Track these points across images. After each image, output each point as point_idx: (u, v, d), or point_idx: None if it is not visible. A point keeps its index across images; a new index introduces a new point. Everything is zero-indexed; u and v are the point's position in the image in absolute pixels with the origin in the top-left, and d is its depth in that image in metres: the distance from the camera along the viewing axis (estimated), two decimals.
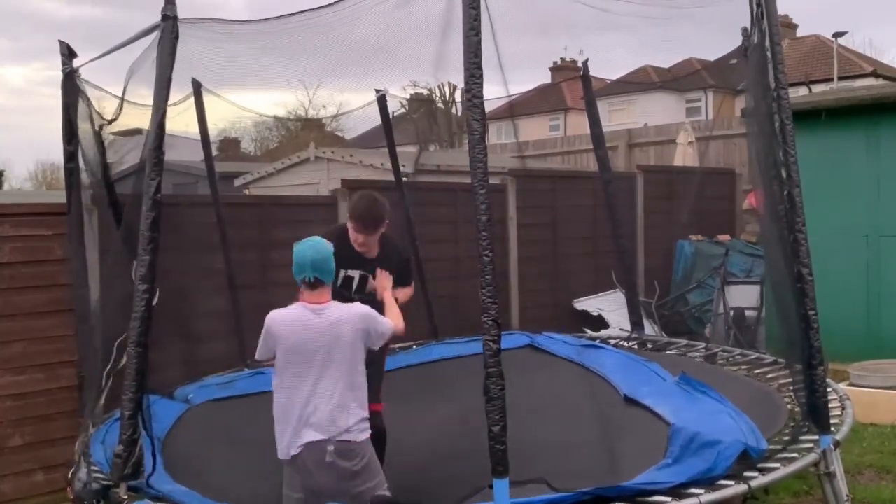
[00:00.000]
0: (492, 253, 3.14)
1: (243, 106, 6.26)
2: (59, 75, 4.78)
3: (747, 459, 3.70)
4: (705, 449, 3.65)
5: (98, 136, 4.89)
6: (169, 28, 3.79)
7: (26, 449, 5.56)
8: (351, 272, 4.67)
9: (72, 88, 4.80)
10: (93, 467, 3.94)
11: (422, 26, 4.28)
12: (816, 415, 3.99)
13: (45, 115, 68.99)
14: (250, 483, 4.36)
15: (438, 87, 28.81)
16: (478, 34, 3.11)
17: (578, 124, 31.39)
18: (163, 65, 3.77)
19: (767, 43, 4.05)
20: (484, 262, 3.11)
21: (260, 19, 4.19)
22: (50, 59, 68.68)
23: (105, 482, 3.69)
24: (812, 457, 3.85)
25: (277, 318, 3.83)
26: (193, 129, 6.46)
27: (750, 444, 3.75)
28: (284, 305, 7.32)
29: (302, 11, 4.01)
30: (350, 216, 4.62)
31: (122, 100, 4.46)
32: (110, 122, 4.85)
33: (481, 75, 3.11)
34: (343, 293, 4.56)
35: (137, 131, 5.15)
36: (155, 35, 3.91)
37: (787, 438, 4.15)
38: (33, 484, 5.58)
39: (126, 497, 3.58)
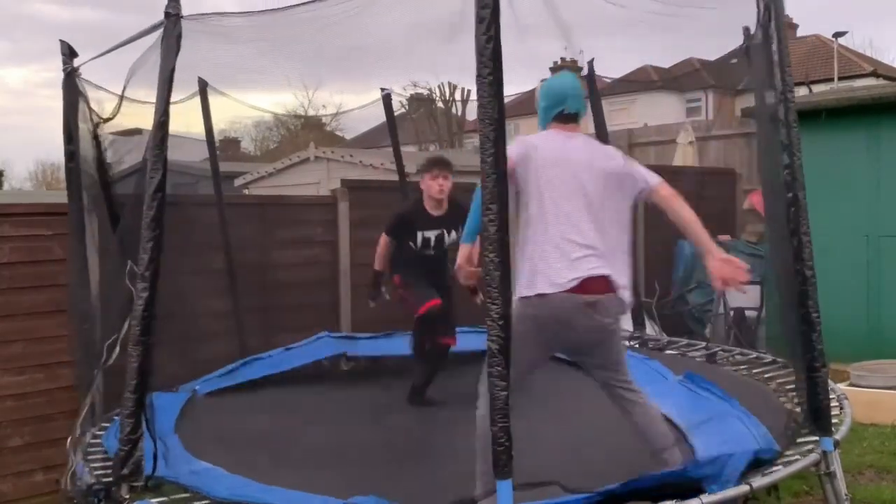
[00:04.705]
0: (494, 254, 3.12)
1: (250, 104, 6.26)
2: (57, 77, 4.79)
3: (760, 462, 3.68)
4: (715, 461, 3.61)
5: (94, 134, 4.88)
6: (172, 26, 3.78)
7: (26, 449, 5.55)
8: (427, 233, 5.64)
9: (72, 88, 4.79)
10: (91, 465, 3.93)
11: (425, 26, 4.27)
12: (817, 416, 3.99)
13: (44, 116, 69.07)
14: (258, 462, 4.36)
15: (438, 86, 28.86)
16: (488, 33, 3.05)
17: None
18: (166, 63, 3.76)
19: (775, 46, 4.03)
20: (486, 261, 3.09)
21: (262, 10, 4.15)
22: (48, 62, 68.76)
23: (105, 481, 3.68)
24: (813, 457, 3.84)
25: (533, 138, 3.61)
26: (193, 129, 6.46)
27: (762, 448, 3.73)
28: (284, 306, 7.27)
29: (301, 4, 3.96)
30: (430, 167, 5.62)
31: (122, 98, 4.45)
32: (106, 120, 4.84)
33: (489, 74, 3.06)
34: (424, 253, 5.60)
35: (137, 131, 5.14)
36: (157, 34, 3.90)
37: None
38: (33, 484, 5.57)
39: (127, 496, 3.57)
